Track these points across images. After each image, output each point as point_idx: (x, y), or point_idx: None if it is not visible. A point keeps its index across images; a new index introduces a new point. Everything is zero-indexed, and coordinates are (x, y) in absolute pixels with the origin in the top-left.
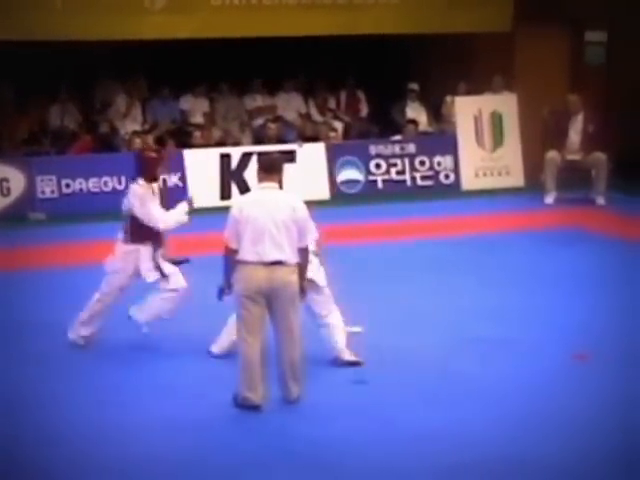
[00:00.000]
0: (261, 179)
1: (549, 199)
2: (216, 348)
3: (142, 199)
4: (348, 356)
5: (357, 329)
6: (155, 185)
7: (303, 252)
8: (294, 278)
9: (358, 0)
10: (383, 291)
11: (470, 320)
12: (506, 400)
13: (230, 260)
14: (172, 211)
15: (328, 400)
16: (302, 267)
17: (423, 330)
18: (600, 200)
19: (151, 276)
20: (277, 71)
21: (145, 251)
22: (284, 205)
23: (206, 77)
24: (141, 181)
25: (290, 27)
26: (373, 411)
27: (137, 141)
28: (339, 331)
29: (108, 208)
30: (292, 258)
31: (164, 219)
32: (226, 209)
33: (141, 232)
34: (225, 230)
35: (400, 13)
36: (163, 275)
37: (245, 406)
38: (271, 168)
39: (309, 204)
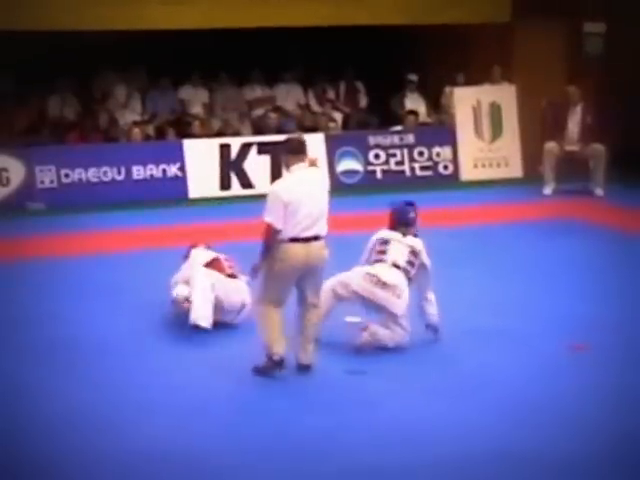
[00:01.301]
0: (291, 162)
1: (547, 190)
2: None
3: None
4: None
5: (355, 319)
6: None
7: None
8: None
9: None
10: None
11: (468, 310)
12: (505, 391)
13: (271, 241)
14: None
15: (328, 392)
16: None
17: (421, 321)
18: (598, 191)
19: None
20: (276, 62)
21: None
22: (321, 182)
23: (206, 67)
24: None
25: (289, 18)
26: (374, 402)
27: (136, 131)
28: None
29: (107, 198)
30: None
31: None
32: (226, 199)
33: None
34: (267, 213)
35: (399, 4)
36: None
37: (272, 362)
38: (299, 149)
39: None
